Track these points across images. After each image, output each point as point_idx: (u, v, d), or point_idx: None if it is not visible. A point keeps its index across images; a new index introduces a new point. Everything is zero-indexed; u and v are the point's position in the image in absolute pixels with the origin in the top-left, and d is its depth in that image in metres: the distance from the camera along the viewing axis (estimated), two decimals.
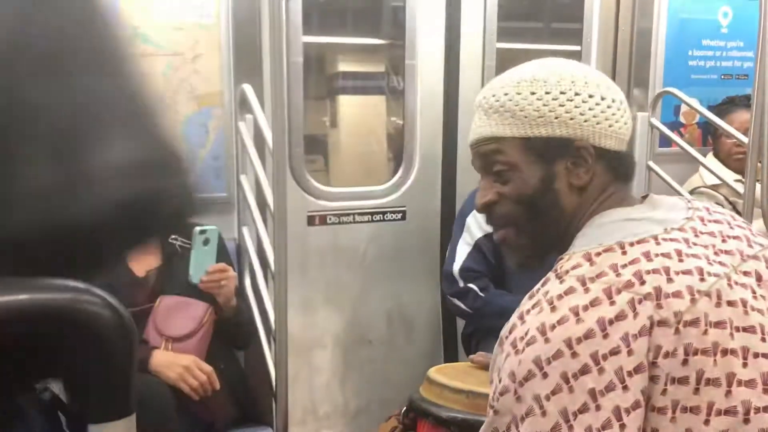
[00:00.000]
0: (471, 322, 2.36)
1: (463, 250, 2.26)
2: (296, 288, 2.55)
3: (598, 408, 0.85)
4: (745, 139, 2.25)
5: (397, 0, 2.69)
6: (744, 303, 0.91)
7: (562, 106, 0.98)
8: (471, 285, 2.22)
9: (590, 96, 0.99)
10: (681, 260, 0.91)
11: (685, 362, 0.86)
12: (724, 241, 0.97)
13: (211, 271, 1.90)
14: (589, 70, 1.05)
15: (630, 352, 0.85)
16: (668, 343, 0.85)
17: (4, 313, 0.54)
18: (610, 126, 0.99)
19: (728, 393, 0.86)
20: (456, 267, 2.25)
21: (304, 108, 2.66)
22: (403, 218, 2.70)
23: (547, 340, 0.87)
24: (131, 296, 1.88)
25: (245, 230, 2.35)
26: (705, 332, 0.86)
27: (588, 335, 0.86)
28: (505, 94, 1.01)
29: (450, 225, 2.63)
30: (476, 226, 2.27)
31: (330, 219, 2.58)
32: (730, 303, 0.89)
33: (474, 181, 2.57)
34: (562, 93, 0.99)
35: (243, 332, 2.10)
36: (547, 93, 0.99)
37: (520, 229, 1.05)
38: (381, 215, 2.67)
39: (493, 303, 2.19)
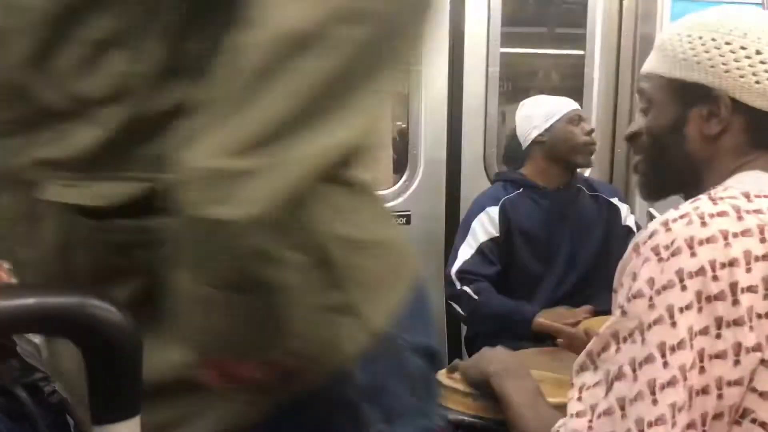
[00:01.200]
0: (468, 326, 2.37)
1: (464, 253, 2.26)
2: None
3: (718, 336, 0.83)
4: None
5: None
6: None
7: (707, 52, 0.97)
8: (465, 288, 2.22)
9: (742, 48, 0.96)
10: None
11: None
12: None
13: None
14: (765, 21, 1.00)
15: (765, 296, 0.84)
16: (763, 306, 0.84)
17: (13, 317, 0.55)
18: (757, 82, 0.95)
19: None
20: (454, 269, 2.25)
21: None
22: (408, 222, 2.70)
23: (693, 254, 0.84)
24: None
25: None
26: None
27: (732, 263, 0.84)
28: (669, 33, 1.02)
29: (454, 229, 2.64)
30: (482, 230, 2.28)
31: None
32: None
33: (478, 186, 2.61)
34: (712, 40, 0.97)
35: None
36: (699, 37, 0.98)
37: (646, 162, 1.08)
38: None
39: (484, 307, 2.18)
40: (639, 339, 0.84)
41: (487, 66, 2.75)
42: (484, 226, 2.28)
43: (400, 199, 2.69)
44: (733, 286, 0.83)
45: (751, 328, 0.83)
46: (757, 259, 0.84)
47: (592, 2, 2.89)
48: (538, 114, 2.30)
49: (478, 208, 2.33)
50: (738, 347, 0.83)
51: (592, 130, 2.29)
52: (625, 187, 2.92)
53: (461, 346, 2.63)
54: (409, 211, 2.69)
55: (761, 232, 0.85)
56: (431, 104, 2.68)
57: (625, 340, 0.85)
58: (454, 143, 2.72)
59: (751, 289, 0.83)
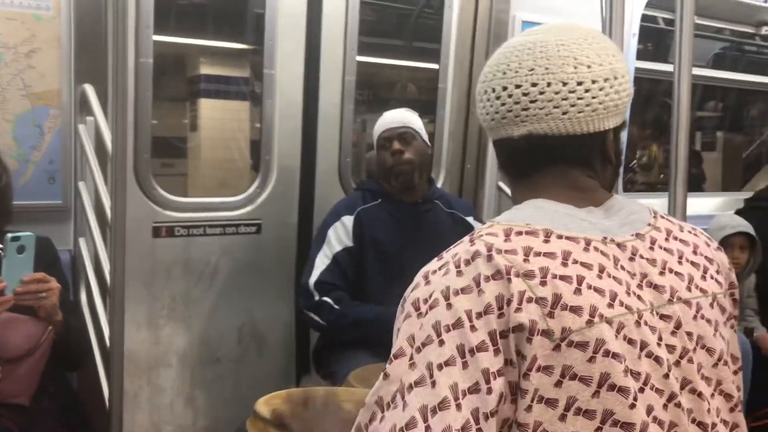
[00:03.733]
0: (327, 335, 2.32)
1: (321, 263, 2.22)
2: (139, 303, 2.40)
3: (489, 391, 0.77)
4: None
5: (260, 7, 2.61)
6: (643, 346, 0.84)
7: (479, 103, 0.98)
8: (325, 298, 2.18)
9: (505, 89, 0.94)
10: (600, 277, 0.84)
11: (558, 384, 0.79)
12: (662, 273, 0.90)
13: (27, 281, 1.72)
14: (526, 48, 0.95)
15: (508, 343, 0.79)
16: (544, 357, 0.79)
17: None
18: (516, 116, 0.93)
19: (599, 430, 0.80)
20: (312, 280, 2.20)
21: (164, 112, 2.51)
22: (258, 231, 2.61)
23: (449, 306, 0.81)
24: None
25: (82, 241, 2.17)
26: (591, 359, 0.80)
27: (487, 311, 0.80)
28: None
29: (307, 239, 2.58)
30: (336, 239, 2.24)
31: (178, 231, 2.44)
32: (629, 341, 0.83)
33: (333, 195, 2.57)
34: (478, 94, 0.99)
35: (72, 352, 1.92)
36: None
37: None
38: (234, 228, 2.57)
39: (347, 315, 2.16)
40: (401, 403, 0.78)
41: (344, 74, 2.71)
42: (339, 236, 2.25)
43: (251, 207, 2.59)
44: (492, 334, 0.79)
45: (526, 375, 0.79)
46: (509, 302, 0.80)
47: (447, 19, 2.94)
48: (374, 134, 2.33)
49: (334, 216, 2.29)
50: (501, 397, 0.78)
51: (398, 151, 2.25)
52: (474, 200, 2.99)
53: (309, 359, 2.57)
54: (260, 219, 2.60)
55: (507, 274, 0.81)
56: (285, 110, 2.61)
57: (388, 406, 0.79)
58: (308, 151, 2.66)
59: (503, 335, 0.79)
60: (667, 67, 3.77)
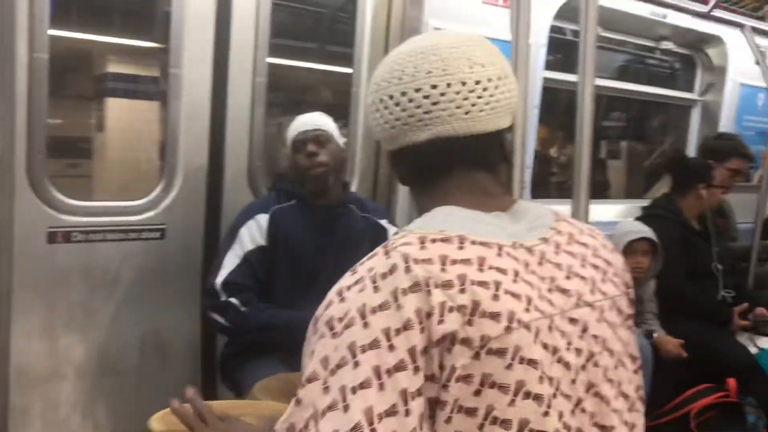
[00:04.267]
0: (231, 338, 2.24)
1: (230, 263, 2.15)
2: (32, 313, 2.26)
3: (407, 413, 0.74)
4: None
5: (168, 4, 2.52)
6: (555, 351, 0.84)
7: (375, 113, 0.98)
8: (232, 299, 2.11)
9: (404, 94, 0.93)
10: (515, 281, 0.84)
11: (477, 393, 0.78)
12: (568, 277, 0.91)
13: None
14: (419, 53, 0.94)
15: (431, 357, 0.77)
16: (464, 366, 0.77)
17: None
18: (419, 120, 0.92)
19: None
20: (219, 280, 2.13)
21: (68, 111, 2.38)
22: (162, 237, 2.50)
23: (366, 325, 0.77)
24: None
25: None
26: (509, 366, 0.79)
27: (407, 326, 0.77)
28: None
29: (214, 244, 2.50)
30: (249, 238, 2.18)
31: (76, 236, 2.31)
32: (544, 345, 0.83)
33: (242, 199, 2.50)
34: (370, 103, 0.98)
35: None
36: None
37: None
38: (137, 233, 2.46)
39: (253, 318, 2.09)
40: (313, 430, 0.75)
41: (254, 76, 2.65)
42: (253, 234, 2.19)
43: (154, 212, 2.49)
44: (412, 351, 0.77)
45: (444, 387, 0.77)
46: (428, 316, 0.78)
47: (360, 23, 2.93)
48: (287, 138, 2.29)
49: (247, 215, 2.23)
50: (421, 420, 0.76)
51: (313, 153, 2.22)
52: (388, 204, 2.98)
53: (215, 369, 2.49)
54: (164, 224, 2.50)
55: (426, 286, 0.79)
56: (192, 111, 2.52)
57: None
58: (216, 154, 2.58)
59: (424, 351, 0.77)
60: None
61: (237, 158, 2.63)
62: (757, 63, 3.76)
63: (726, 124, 4.41)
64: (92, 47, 3.51)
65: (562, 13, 3.40)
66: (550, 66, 3.58)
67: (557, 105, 5.03)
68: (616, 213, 4.22)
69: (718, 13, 4.02)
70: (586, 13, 1.60)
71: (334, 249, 2.24)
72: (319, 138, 2.24)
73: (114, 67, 3.61)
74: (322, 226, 2.27)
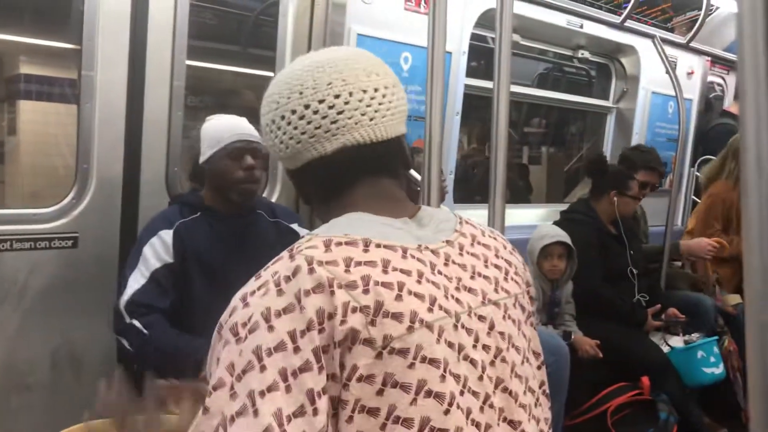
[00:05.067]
0: (133, 361, 2.16)
1: (135, 283, 2.04)
2: None
3: (315, 412, 0.74)
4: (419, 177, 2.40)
5: (81, 4, 2.42)
6: (461, 349, 0.86)
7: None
8: (134, 321, 2.00)
9: (307, 107, 0.94)
10: (419, 282, 0.85)
11: (380, 392, 0.78)
12: (472, 277, 0.93)
13: None
14: (315, 67, 0.95)
15: (332, 357, 0.78)
16: (366, 366, 0.78)
17: None
18: (326, 131, 0.93)
19: None
20: (123, 301, 2.02)
21: None
22: (75, 246, 2.41)
23: (270, 329, 0.77)
24: None
25: None
26: (411, 366, 0.80)
27: (310, 327, 0.77)
28: None
29: (130, 252, 2.42)
30: (154, 256, 2.07)
31: None
32: (449, 344, 0.84)
33: (159, 206, 2.43)
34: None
35: None
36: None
37: None
38: (47, 242, 2.35)
39: (154, 342, 1.98)
40: None
41: (172, 79, 2.58)
42: (157, 252, 2.08)
43: (66, 219, 2.39)
44: (316, 351, 0.77)
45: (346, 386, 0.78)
46: (330, 317, 0.78)
47: (282, 27, 2.90)
48: (207, 138, 2.16)
49: (150, 232, 2.13)
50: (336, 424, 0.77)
51: (252, 165, 2.13)
52: (312, 211, 2.96)
53: (132, 384, 2.41)
54: (76, 232, 2.40)
55: (330, 286, 0.80)
56: (106, 115, 2.43)
57: None
58: (132, 159, 2.50)
59: (325, 349, 0.78)
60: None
61: (154, 164, 2.56)
62: (668, 72, 3.93)
63: (639, 131, 4.59)
64: (3, 47, 3.37)
65: (483, 21, 3.46)
66: (472, 73, 3.65)
67: (483, 111, 5.13)
68: (536, 216, 4.33)
69: (631, 23, 4.18)
70: (501, 21, 1.62)
71: (247, 258, 2.16)
72: (257, 151, 2.15)
73: (27, 69, 3.47)
74: (232, 237, 2.19)
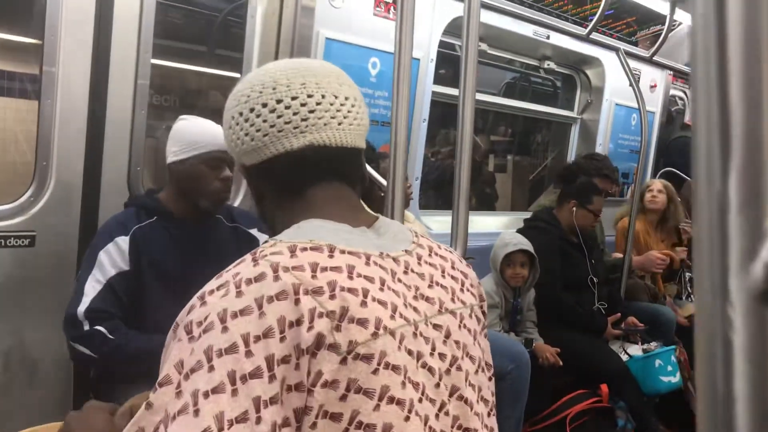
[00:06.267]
0: (97, 367, 2.10)
1: (92, 289, 1.97)
2: None
3: (258, 420, 0.73)
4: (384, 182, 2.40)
5: None
6: (419, 356, 0.86)
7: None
8: (98, 327, 1.94)
9: (279, 101, 0.94)
10: (381, 289, 0.85)
11: (343, 398, 0.78)
12: (430, 286, 0.94)
13: None
14: (289, 68, 0.97)
15: (297, 366, 0.76)
16: (331, 372, 0.77)
17: None
18: (295, 127, 0.93)
19: None
20: (81, 308, 1.95)
21: None
22: (32, 244, 2.35)
23: (225, 330, 0.76)
24: None
25: None
26: (375, 371, 0.80)
27: (267, 334, 0.76)
28: None
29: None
30: (110, 263, 2.01)
31: None
32: (409, 351, 0.85)
33: (121, 205, 2.39)
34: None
35: None
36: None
37: None
38: (3, 240, 2.29)
39: (125, 346, 1.94)
40: None
41: (136, 77, 2.54)
42: (113, 259, 2.02)
43: (23, 217, 2.33)
44: (269, 359, 0.76)
45: (282, 402, 0.76)
46: (291, 325, 0.78)
47: (250, 29, 2.88)
48: (183, 139, 2.09)
49: (106, 237, 2.06)
50: (275, 429, 0.75)
51: (229, 178, 2.10)
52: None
53: (88, 386, 2.36)
54: (33, 231, 2.35)
55: (295, 293, 0.79)
56: (67, 111, 2.39)
57: None
58: (93, 157, 2.45)
59: (284, 360, 0.77)
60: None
61: (116, 162, 2.52)
62: (631, 85, 4.00)
63: (602, 141, 4.67)
64: None
65: (451, 30, 3.48)
66: (440, 81, 3.67)
67: (451, 119, 5.15)
68: (501, 224, 4.37)
69: (596, 36, 4.25)
70: (468, 29, 1.63)
71: (204, 264, 2.10)
72: (233, 163, 2.09)
73: None
74: (190, 243, 2.14)
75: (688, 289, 4.26)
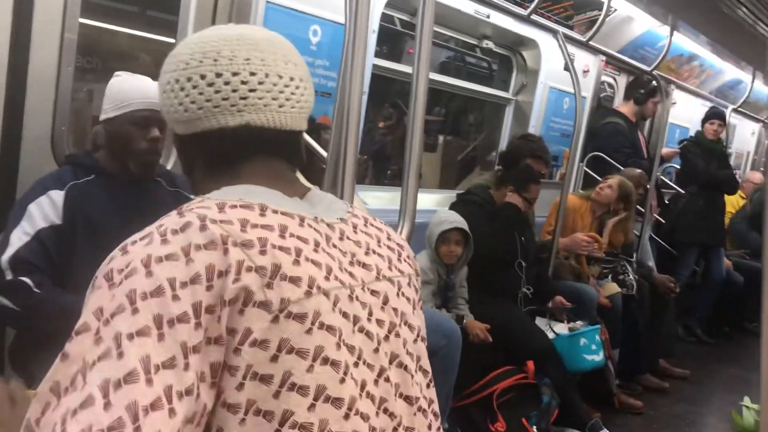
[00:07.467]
0: (17, 322, 1.98)
1: (18, 240, 1.87)
2: None
3: (186, 367, 0.70)
4: (325, 154, 2.35)
5: None
6: (356, 320, 0.85)
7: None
8: (24, 278, 1.84)
9: (219, 75, 0.90)
10: (316, 251, 0.84)
11: (274, 358, 0.75)
12: (367, 253, 0.93)
13: None
14: (234, 39, 0.92)
15: (219, 319, 0.74)
16: (261, 330, 0.75)
17: None
18: (232, 105, 0.90)
19: (312, 407, 0.77)
20: (5, 257, 1.85)
21: None
22: None
23: (149, 274, 0.73)
24: None
25: None
26: (309, 331, 0.78)
27: (194, 280, 0.73)
28: None
29: (5, 217, 2.22)
30: (40, 215, 1.92)
31: None
32: (344, 314, 0.83)
33: (42, 167, 2.24)
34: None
35: None
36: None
37: None
38: None
39: (51, 301, 1.85)
40: (80, 384, 0.68)
41: (63, 31, 2.38)
42: (45, 211, 1.93)
43: None
44: (196, 306, 0.74)
45: (202, 353, 0.74)
46: (220, 275, 0.76)
47: None
48: (113, 96, 2.02)
49: (39, 189, 1.97)
50: (202, 376, 0.73)
51: (157, 138, 2.02)
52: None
53: (3, 358, 2.23)
54: None
55: (224, 244, 0.77)
56: None
57: (66, 391, 0.69)
58: (13, 115, 2.28)
59: (209, 309, 0.74)
60: (401, 67, 3.96)
61: (39, 121, 2.36)
62: (567, 69, 4.06)
63: (535, 123, 4.73)
64: None
65: (393, 2, 3.43)
66: (376, 54, 3.62)
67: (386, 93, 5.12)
68: (430, 201, 4.38)
69: (535, 18, 4.28)
70: (423, 5, 1.60)
71: (141, 226, 2.03)
72: (164, 123, 1.99)
73: None
74: (127, 203, 2.07)
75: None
